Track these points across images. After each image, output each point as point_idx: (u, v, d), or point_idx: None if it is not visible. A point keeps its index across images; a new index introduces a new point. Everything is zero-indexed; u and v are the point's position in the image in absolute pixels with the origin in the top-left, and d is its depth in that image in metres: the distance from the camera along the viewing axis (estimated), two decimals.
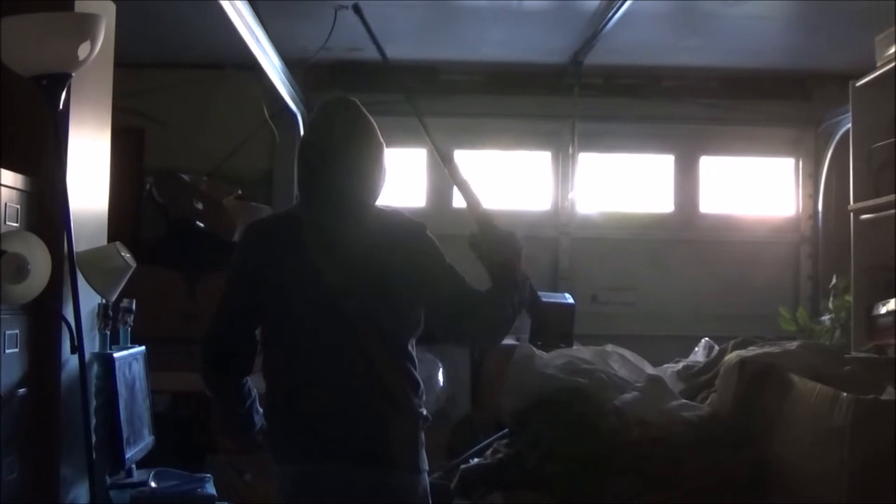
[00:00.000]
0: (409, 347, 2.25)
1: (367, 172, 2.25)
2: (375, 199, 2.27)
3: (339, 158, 2.23)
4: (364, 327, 2.15)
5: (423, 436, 2.25)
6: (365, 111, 2.32)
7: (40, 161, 2.82)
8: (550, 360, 3.49)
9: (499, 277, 2.15)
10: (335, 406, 2.15)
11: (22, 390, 2.74)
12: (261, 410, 2.34)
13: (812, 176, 6.18)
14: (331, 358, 2.16)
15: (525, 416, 3.37)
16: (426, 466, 2.26)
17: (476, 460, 3.53)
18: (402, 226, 2.27)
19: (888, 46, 3.87)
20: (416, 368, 2.26)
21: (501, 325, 2.19)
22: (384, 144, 2.32)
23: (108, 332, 3.15)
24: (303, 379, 2.19)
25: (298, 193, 2.33)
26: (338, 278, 2.15)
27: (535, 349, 3.56)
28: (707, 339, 4.12)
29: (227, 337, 2.25)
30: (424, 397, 2.27)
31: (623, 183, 6.25)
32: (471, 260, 2.18)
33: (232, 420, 2.35)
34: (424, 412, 2.25)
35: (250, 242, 2.29)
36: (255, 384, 2.36)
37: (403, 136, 6.00)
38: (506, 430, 3.58)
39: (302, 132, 5.74)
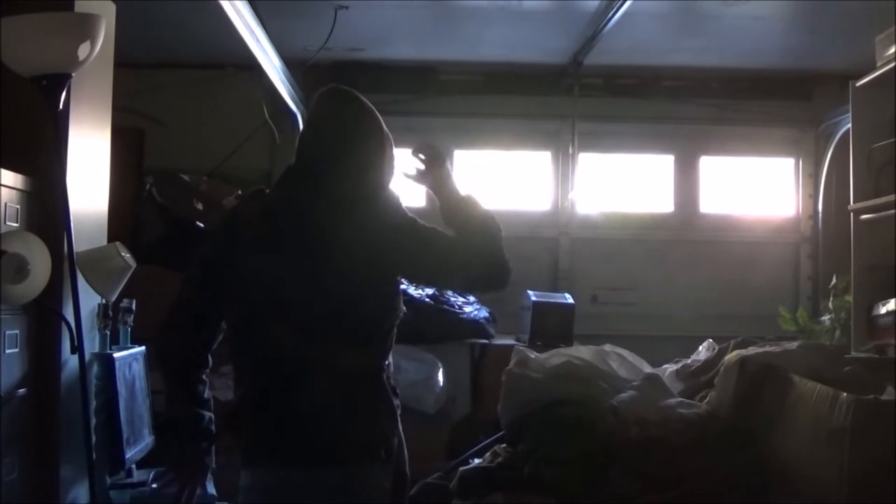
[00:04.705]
0: (382, 354, 2.20)
1: (353, 170, 2.18)
2: (363, 194, 2.18)
3: (324, 158, 2.17)
4: (332, 332, 2.10)
5: (396, 429, 2.22)
6: (364, 102, 2.24)
7: (40, 161, 2.82)
8: (546, 359, 3.48)
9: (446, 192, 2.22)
10: (305, 410, 2.09)
11: (22, 390, 2.74)
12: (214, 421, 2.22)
13: (812, 176, 6.18)
14: (300, 361, 2.09)
15: (522, 423, 3.36)
16: (396, 460, 2.22)
17: (476, 461, 3.53)
18: (382, 228, 2.15)
19: (888, 46, 3.87)
20: (387, 373, 2.21)
21: (488, 250, 2.15)
22: (382, 132, 2.23)
23: (108, 332, 3.15)
24: (272, 382, 2.11)
25: (283, 183, 2.23)
26: (311, 281, 2.10)
27: (529, 353, 3.55)
28: (710, 340, 4.12)
29: (187, 332, 2.17)
30: (399, 396, 2.25)
31: (623, 183, 6.25)
32: None
33: (189, 424, 2.18)
34: (398, 407, 2.23)
35: (223, 235, 2.21)
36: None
37: (403, 136, 6.07)
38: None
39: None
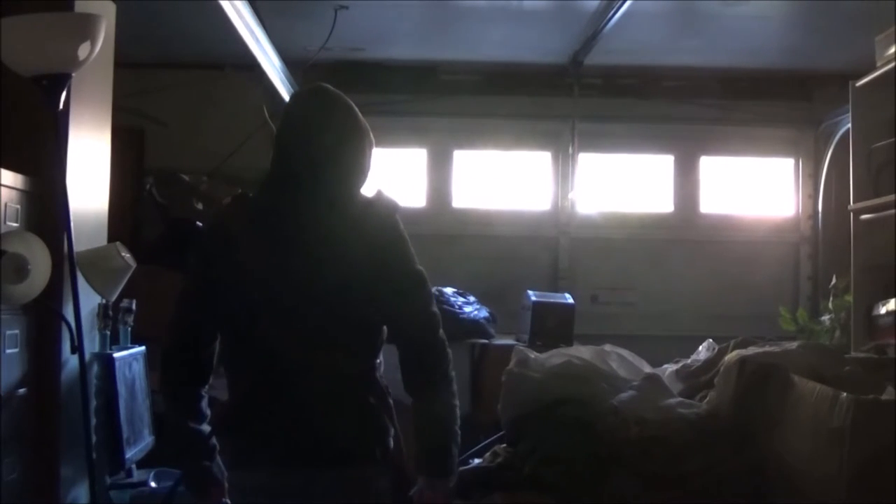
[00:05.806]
0: (372, 353, 2.19)
1: (342, 172, 2.16)
2: (351, 196, 2.17)
3: (313, 160, 2.14)
4: (325, 334, 2.09)
5: (393, 428, 2.20)
6: (345, 100, 2.20)
7: (40, 161, 2.83)
8: (546, 359, 3.47)
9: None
10: (296, 410, 2.08)
11: (22, 390, 2.74)
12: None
13: (812, 176, 6.19)
14: (290, 363, 2.08)
15: (522, 423, 3.36)
16: (394, 459, 2.21)
17: (476, 461, 3.53)
18: (372, 232, 2.14)
19: (888, 46, 3.86)
20: (378, 371, 2.21)
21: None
22: (365, 130, 2.19)
23: (108, 332, 3.15)
24: (264, 384, 2.10)
25: (268, 188, 2.20)
26: (301, 285, 2.09)
27: (529, 353, 3.54)
28: (710, 340, 4.11)
29: (190, 354, 2.16)
30: (391, 395, 2.23)
31: (623, 183, 6.25)
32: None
33: (192, 442, 2.16)
34: (392, 406, 2.21)
35: (211, 244, 2.20)
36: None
37: (403, 136, 6.09)
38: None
39: None
